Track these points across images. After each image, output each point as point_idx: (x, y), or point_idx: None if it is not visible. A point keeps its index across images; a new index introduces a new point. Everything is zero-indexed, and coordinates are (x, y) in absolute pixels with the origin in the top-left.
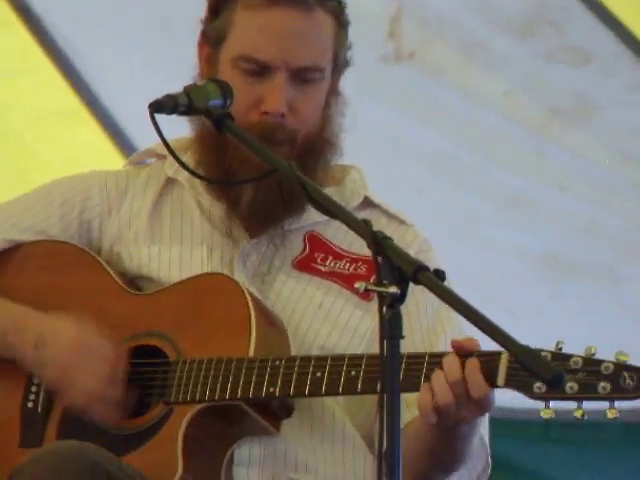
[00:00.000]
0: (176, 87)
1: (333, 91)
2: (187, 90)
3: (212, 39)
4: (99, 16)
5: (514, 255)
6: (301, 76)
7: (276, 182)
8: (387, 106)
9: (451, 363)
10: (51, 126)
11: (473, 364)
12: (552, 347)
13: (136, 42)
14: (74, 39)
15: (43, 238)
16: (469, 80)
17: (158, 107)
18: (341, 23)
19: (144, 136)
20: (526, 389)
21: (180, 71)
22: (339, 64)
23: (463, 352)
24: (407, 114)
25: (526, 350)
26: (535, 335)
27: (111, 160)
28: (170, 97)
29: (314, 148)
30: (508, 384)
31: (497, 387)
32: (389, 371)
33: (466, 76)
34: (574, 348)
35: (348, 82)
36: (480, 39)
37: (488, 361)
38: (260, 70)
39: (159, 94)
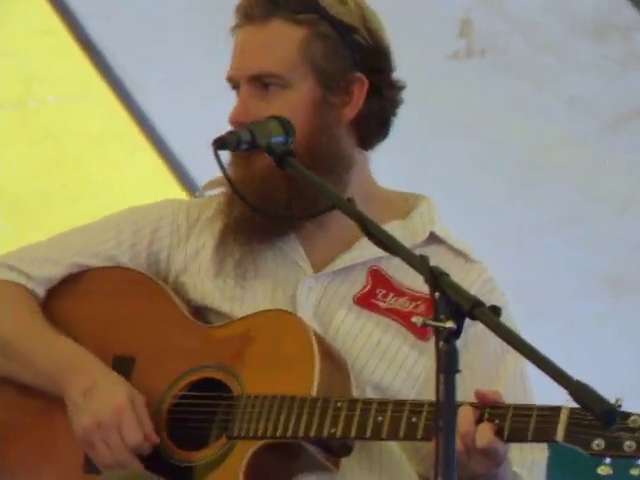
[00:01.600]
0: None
1: (322, 101)
2: (250, 127)
3: None
4: (154, 44)
5: (573, 272)
6: (261, 82)
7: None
8: (451, 105)
9: (465, 415)
10: (107, 152)
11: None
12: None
13: (192, 71)
14: (131, 66)
15: (112, 264)
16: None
17: (221, 144)
18: (320, 33)
19: (200, 164)
20: (585, 446)
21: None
22: (325, 75)
23: (483, 403)
24: (470, 116)
25: (581, 386)
26: (594, 353)
27: (167, 187)
28: (233, 134)
29: (309, 159)
30: (567, 440)
31: (555, 442)
32: (445, 406)
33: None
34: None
35: (416, 80)
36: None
37: (548, 416)
38: (235, 87)
39: (213, 124)
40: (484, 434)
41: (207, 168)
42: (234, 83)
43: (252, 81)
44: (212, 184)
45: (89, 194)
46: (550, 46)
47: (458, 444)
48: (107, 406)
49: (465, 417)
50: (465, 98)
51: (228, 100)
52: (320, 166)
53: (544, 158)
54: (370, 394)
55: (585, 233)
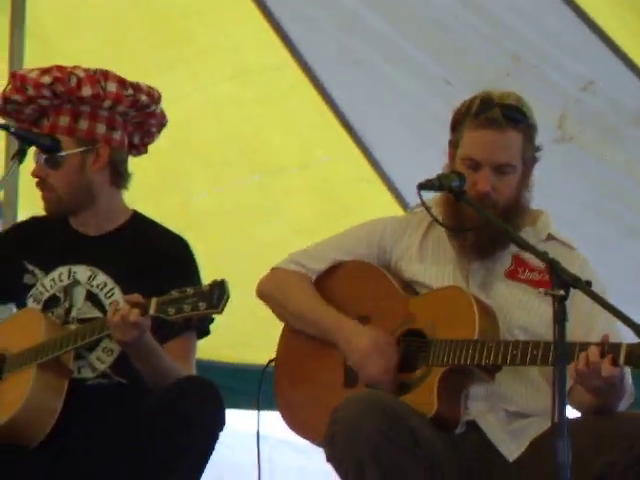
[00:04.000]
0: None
1: (524, 178)
2: (439, 176)
3: (453, 144)
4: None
5: None
6: (499, 170)
7: (489, 232)
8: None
9: (593, 353)
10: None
11: (608, 358)
12: None
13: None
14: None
15: (355, 259)
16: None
17: (423, 186)
18: (528, 136)
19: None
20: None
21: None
22: (527, 162)
23: (604, 345)
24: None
25: None
26: None
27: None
28: (429, 180)
29: (512, 210)
30: (627, 362)
31: (618, 366)
32: (559, 338)
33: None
34: None
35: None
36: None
37: (613, 347)
38: (475, 166)
39: (426, 169)
40: (606, 366)
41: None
42: (473, 164)
43: (495, 167)
44: (417, 207)
45: (341, 215)
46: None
47: (585, 369)
48: (362, 347)
49: (593, 354)
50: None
51: (437, 152)
52: (519, 206)
53: None
54: (518, 334)
55: None
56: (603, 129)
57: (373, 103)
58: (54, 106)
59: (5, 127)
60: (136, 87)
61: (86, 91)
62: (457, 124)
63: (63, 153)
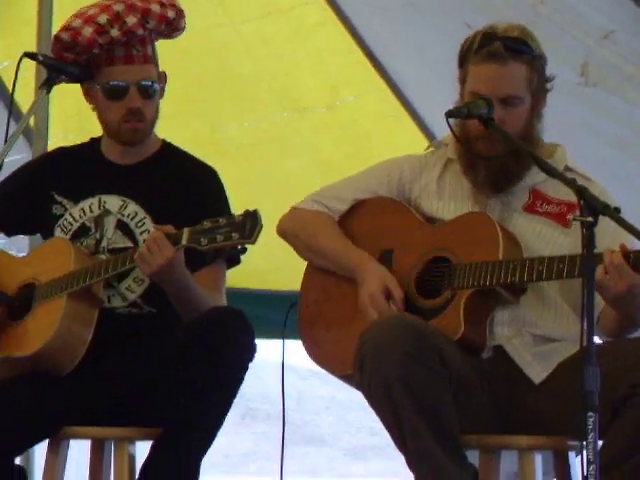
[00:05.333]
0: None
1: (534, 109)
2: (467, 104)
3: (460, 80)
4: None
5: None
6: (505, 102)
7: (500, 162)
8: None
9: (617, 255)
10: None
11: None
12: None
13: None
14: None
15: (376, 196)
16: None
17: (451, 114)
18: (534, 67)
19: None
20: None
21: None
22: (535, 93)
23: (625, 252)
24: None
25: None
26: None
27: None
28: (457, 108)
29: (524, 140)
30: None
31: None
32: (587, 264)
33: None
34: None
35: (554, 97)
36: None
37: (636, 252)
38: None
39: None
40: (628, 270)
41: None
42: (479, 96)
43: (501, 99)
44: (436, 143)
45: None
46: None
47: (611, 269)
48: (370, 278)
49: (617, 257)
50: None
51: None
52: (530, 137)
53: None
54: None
55: None
56: (626, 76)
57: (399, 43)
58: (140, 37)
59: (33, 56)
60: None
61: (181, 24)
62: (462, 60)
63: (158, 85)
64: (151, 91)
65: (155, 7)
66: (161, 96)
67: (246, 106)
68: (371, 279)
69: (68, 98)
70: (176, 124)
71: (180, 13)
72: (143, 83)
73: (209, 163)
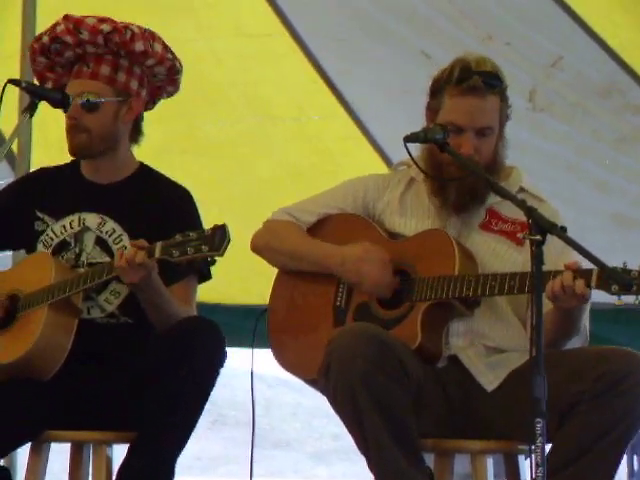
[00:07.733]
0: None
1: (500, 137)
2: (424, 129)
3: (432, 109)
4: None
5: None
6: (480, 133)
7: (469, 184)
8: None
9: (567, 277)
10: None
11: (581, 281)
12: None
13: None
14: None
15: (341, 212)
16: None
17: (409, 139)
18: (503, 99)
19: (399, 153)
20: (607, 289)
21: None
22: (502, 121)
23: (575, 270)
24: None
25: (611, 268)
26: None
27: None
28: (414, 134)
29: (491, 167)
30: (597, 286)
31: (591, 287)
32: (536, 279)
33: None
34: None
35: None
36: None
37: (587, 272)
38: (457, 130)
39: (409, 128)
40: (580, 285)
41: (402, 155)
42: (455, 128)
43: (477, 130)
44: (399, 164)
45: (335, 172)
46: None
47: (560, 290)
48: (357, 260)
49: (567, 277)
50: None
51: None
52: (498, 163)
53: None
54: None
55: None
56: (571, 103)
57: (359, 72)
58: (97, 55)
59: (16, 82)
60: (173, 53)
61: (138, 46)
62: (437, 91)
63: (102, 99)
64: (92, 105)
65: (91, 20)
66: (128, 114)
67: (220, 108)
68: (350, 254)
69: (51, 124)
70: (154, 122)
71: (121, 30)
72: (84, 96)
73: (184, 155)
